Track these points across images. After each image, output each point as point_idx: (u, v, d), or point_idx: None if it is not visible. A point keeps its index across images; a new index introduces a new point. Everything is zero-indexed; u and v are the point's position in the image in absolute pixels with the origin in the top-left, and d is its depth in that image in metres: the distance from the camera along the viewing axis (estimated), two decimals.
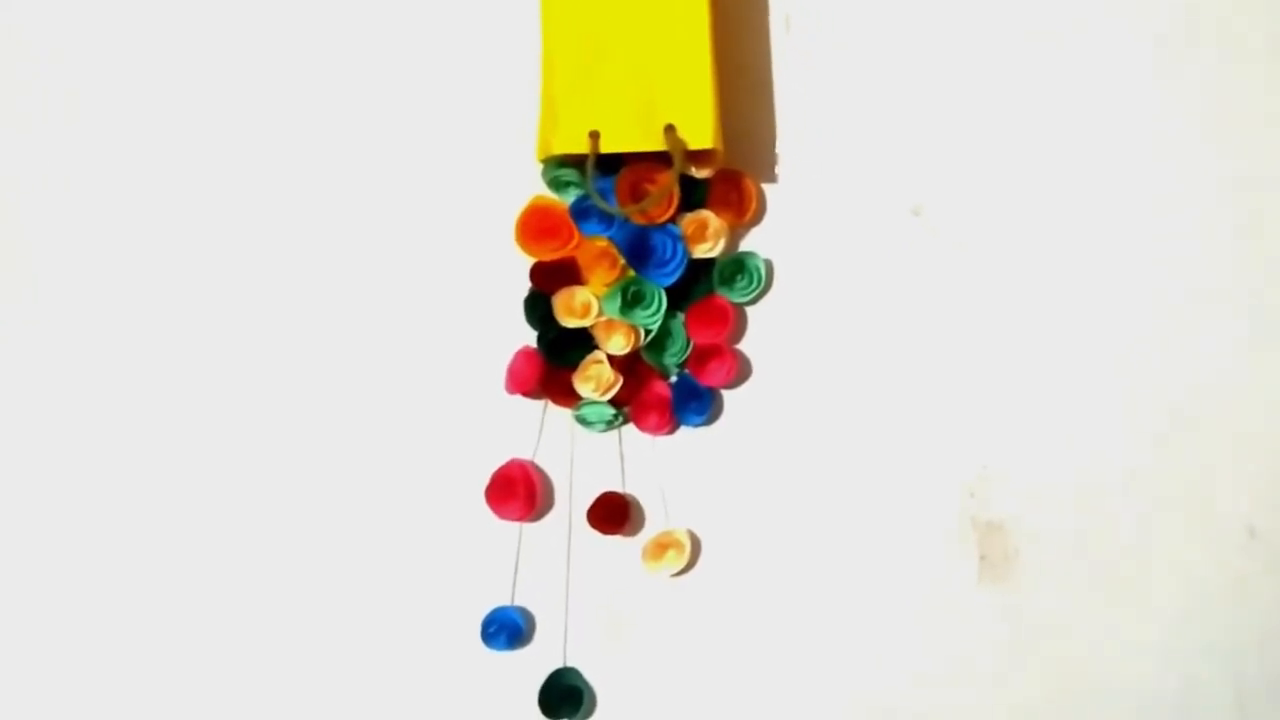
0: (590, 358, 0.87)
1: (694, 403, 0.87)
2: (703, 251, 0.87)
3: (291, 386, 0.90)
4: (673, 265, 0.87)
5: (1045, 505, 0.87)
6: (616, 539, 0.87)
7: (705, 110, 0.84)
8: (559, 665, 0.87)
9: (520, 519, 0.88)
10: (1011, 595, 0.86)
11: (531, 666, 0.87)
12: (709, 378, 0.88)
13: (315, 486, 0.89)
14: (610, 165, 0.86)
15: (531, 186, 0.88)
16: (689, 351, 0.88)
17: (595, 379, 0.87)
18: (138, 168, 0.91)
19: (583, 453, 0.88)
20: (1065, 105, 0.88)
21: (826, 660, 0.87)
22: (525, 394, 0.88)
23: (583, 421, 0.88)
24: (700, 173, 0.87)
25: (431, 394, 0.89)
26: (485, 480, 0.87)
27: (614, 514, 0.87)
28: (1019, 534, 0.87)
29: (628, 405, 0.88)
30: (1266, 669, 0.86)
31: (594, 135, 0.84)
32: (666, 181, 0.85)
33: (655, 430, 0.88)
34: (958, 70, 0.89)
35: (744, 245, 0.89)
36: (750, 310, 0.89)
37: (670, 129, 0.84)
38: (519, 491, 0.87)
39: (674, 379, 0.88)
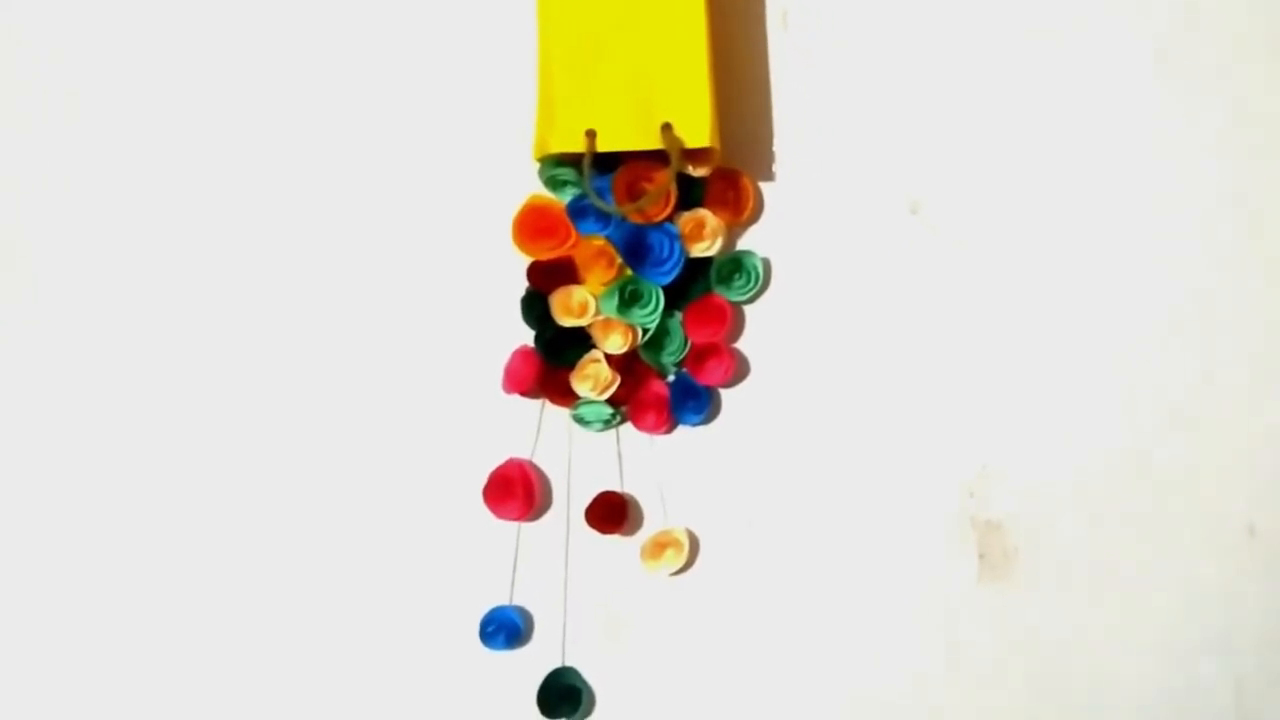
0: (588, 357, 0.87)
1: (692, 402, 0.87)
2: (700, 250, 0.87)
3: (289, 387, 0.89)
4: (670, 264, 0.87)
5: (1045, 504, 0.87)
6: (615, 538, 0.87)
7: (702, 108, 0.84)
8: (557, 665, 0.87)
9: (518, 519, 0.88)
10: (1011, 594, 0.86)
11: (530, 666, 0.87)
12: (707, 377, 0.87)
13: (313, 487, 0.89)
14: (607, 164, 0.86)
15: (528, 185, 0.88)
16: (687, 350, 0.88)
17: (593, 378, 0.87)
18: (138, 168, 0.91)
19: (581, 452, 0.88)
20: (1065, 103, 0.88)
21: (826, 659, 0.87)
22: (523, 393, 0.88)
23: (580, 421, 0.88)
24: (697, 171, 0.87)
25: (429, 394, 0.89)
26: (483, 480, 0.87)
27: (612, 513, 0.87)
28: (1018, 533, 0.86)
29: (625, 404, 0.88)
30: (1266, 667, 0.86)
31: (590, 134, 0.84)
32: (663, 180, 0.85)
33: (653, 429, 0.88)
34: (956, 68, 0.89)
35: (741, 244, 0.89)
36: (748, 309, 0.88)
37: (667, 127, 0.84)
38: (517, 491, 0.87)
39: (672, 378, 0.88)
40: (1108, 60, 0.88)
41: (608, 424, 0.88)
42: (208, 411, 0.90)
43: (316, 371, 0.89)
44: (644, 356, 0.87)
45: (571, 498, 0.88)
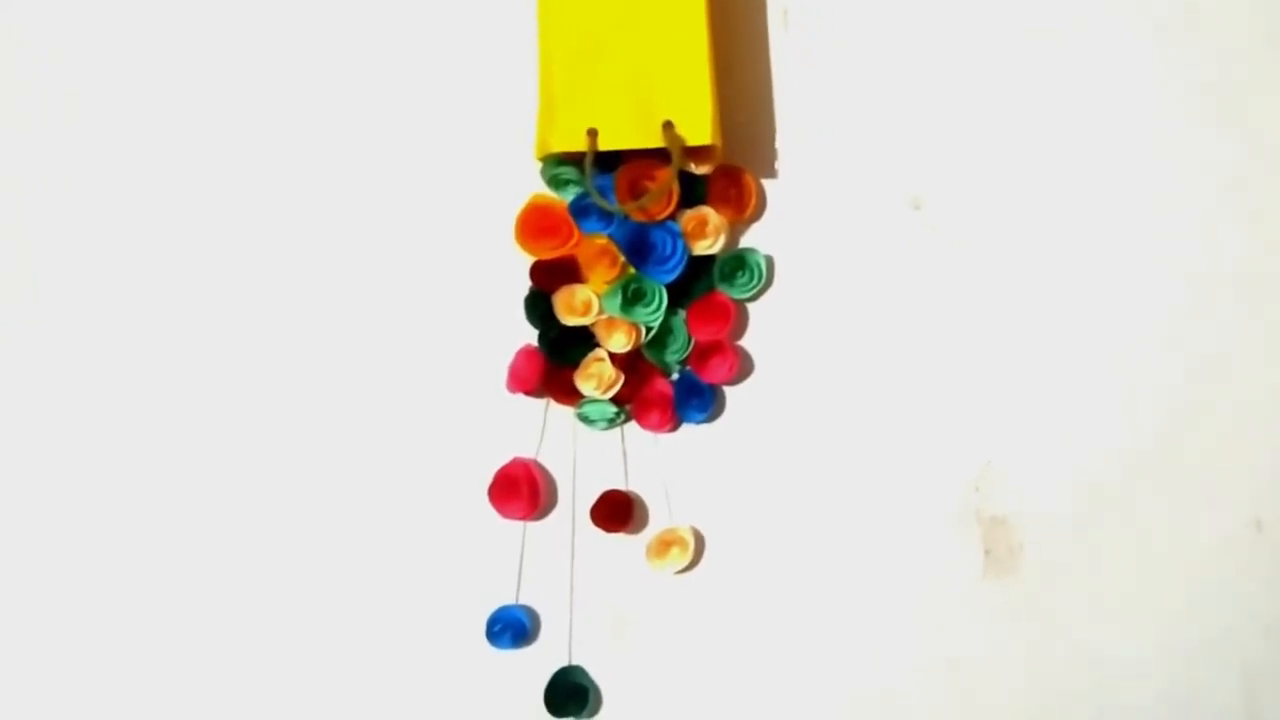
0: (591, 356, 0.87)
1: (696, 400, 0.87)
2: (703, 248, 0.87)
3: (293, 387, 0.89)
4: (673, 262, 0.86)
5: (1049, 499, 0.86)
6: (620, 537, 0.87)
7: (703, 106, 0.84)
8: (564, 663, 0.87)
9: (524, 518, 0.88)
10: (1016, 590, 0.86)
11: (537, 665, 0.87)
12: (711, 374, 0.87)
13: (319, 488, 0.89)
14: (609, 163, 0.85)
15: (530, 185, 0.88)
16: (690, 348, 0.88)
17: (597, 377, 0.87)
18: (138, 168, 0.91)
19: (585, 451, 0.88)
20: (1066, 99, 0.88)
21: (831, 656, 0.87)
22: (527, 393, 0.88)
23: (585, 420, 0.88)
24: (699, 169, 0.86)
25: (433, 394, 0.89)
26: (488, 480, 0.87)
27: (617, 512, 0.87)
28: (1023, 528, 0.86)
29: (629, 403, 0.88)
30: (1274, 660, 0.86)
31: (592, 133, 0.84)
32: (665, 178, 0.85)
33: (657, 428, 0.88)
34: (958, 64, 0.88)
35: (744, 241, 0.88)
36: (751, 306, 0.88)
37: (668, 125, 0.84)
38: (522, 491, 0.87)
39: (675, 376, 0.88)
40: (1108, 58, 0.88)
41: (612, 423, 0.88)
42: (210, 411, 0.90)
43: (321, 372, 0.89)
44: (648, 355, 0.87)
45: (576, 497, 0.88)
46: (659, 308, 0.87)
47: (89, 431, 0.90)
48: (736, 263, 0.87)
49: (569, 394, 0.87)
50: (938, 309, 0.88)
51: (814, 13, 0.89)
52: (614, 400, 0.87)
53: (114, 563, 0.90)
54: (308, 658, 0.88)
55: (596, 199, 0.85)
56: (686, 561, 0.87)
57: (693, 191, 0.87)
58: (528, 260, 0.87)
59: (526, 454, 0.88)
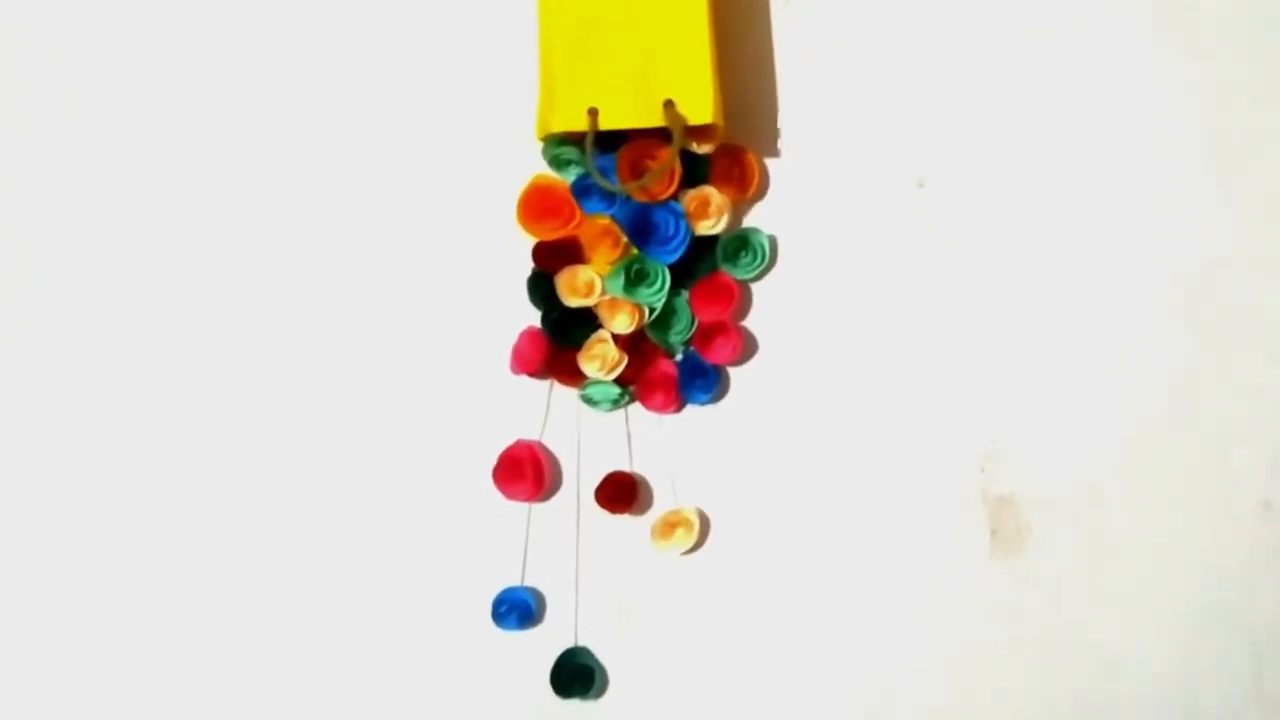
0: (595, 337, 0.87)
1: (700, 380, 0.87)
2: (706, 228, 0.86)
3: (296, 372, 0.90)
4: (676, 242, 0.86)
5: (1056, 479, 0.86)
6: (625, 518, 0.87)
7: (704, 85, 0.83)
8: (570, 645, 0.87)
9: (528, 499, 0.88)
10: (1023, 570, 0.86)
11: (542, 646, 0.87)
12: (715, 355, 0.87)
13: (323, 471, 0.89)
14: (610, 142, 0.85)
15: (532, 165, 0.87)
16: (694, 329, 0.87)
17: (600, 358, 0.87)
18: (138, 167, 0.91)
19: (589, 432, 0.88)
20: (1075, 70, 0.87)
21: (837, 636, 0.86)
22: (530, 374, 0.88)
23: (589, 401, 0.88)
24: (701, 148, 0.86)
25: (437, 376, 0.89)
26: (492, 461, 0.87)
27: (622, 493, 0.87)
28: (1030, 508, 0.86)
29: (633, 384, 0.87)
30: None
31: (593, 112, 0.84)
32: (667, 158, 0.84)
33: (662, 409, 0.87)
34: (960, 44, 0.87)
35: (747, 221, 0.88)
36: (755, 287, 0.88)
37: (669, 104, 0.83)
38: (526, 472, 0.87)
39: (679, 357, 0.88)
40: (1108, 57, 0.87)
41: (616, 404, 0.88)
42: (213, 399, 0.90)
43: (324, 357, 0.90)
44: (651, 336, 0.87)
45: (581, 478, 0.88)
46: (662, 288, 0.86)
47: (89, 430, 0.91)
48: (739, 243, 0.87)
49: (573, 375, 0.87)
50: (942, 288, 0.87)
51: None
52: (618, 381, 0.87)
53: (119, 558, 0.90)
54: (314, 640, 0.89)
55: (598, 179, 0.84)
56: (691, 543, 0.87)
57: (695, 171, 0.86)
58: (530, 241, 0.87)
59: (531, 436, 0.88)
